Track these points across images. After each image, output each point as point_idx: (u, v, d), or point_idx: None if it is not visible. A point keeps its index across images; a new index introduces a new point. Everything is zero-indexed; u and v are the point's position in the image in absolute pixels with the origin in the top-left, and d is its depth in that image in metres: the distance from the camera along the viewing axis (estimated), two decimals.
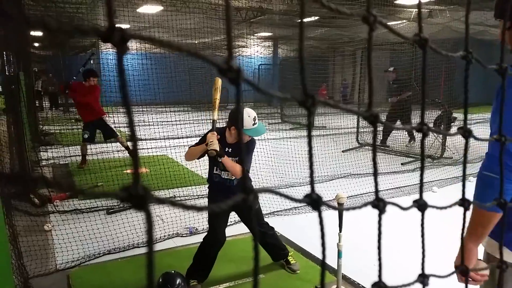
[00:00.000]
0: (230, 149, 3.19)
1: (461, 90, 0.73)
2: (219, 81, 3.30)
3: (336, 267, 3.24)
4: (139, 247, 4.13)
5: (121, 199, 0.31)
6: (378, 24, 0.46)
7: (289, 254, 3.69)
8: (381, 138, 9.63)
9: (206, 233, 3.39)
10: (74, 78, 7.90)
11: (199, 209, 0.35)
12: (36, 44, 16.49)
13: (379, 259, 0.48)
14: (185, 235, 4.48)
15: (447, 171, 7.08)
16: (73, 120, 13.23)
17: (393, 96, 9.35)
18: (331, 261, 3.39)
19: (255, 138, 3.29)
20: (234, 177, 3.23)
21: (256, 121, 3.16)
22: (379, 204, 0.47)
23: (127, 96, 0.30)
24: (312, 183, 0.43)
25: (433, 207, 0.56)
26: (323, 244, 0.42)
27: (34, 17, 0.27)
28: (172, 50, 0.31)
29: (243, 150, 3.10)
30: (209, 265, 3.32)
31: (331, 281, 3.35)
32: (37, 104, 12.55)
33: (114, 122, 7.60)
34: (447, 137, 8.29)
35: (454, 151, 8.28)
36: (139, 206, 0.31)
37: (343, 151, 8.94)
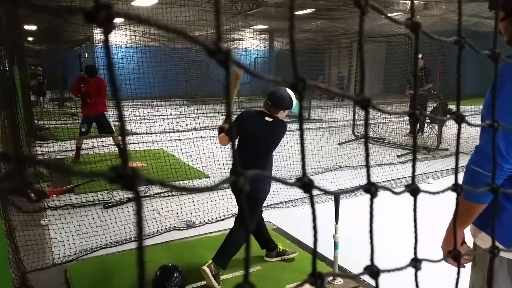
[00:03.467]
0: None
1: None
2: (237, 73, 3.09)
3: (332, 259, 3.26)
4: (136, 240, 4.13)
5: (110, 179, 0.31)
6: (370, 8, 0.46)
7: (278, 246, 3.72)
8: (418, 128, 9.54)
9: (238, 225, 3.35)
10: (82, 73, 7.68)
11: (189, 190, 0.35)
12: (30, 39, 16.34)
13: (371, 243, 0.49)
14: (182, 228, 4.48)
15: (442, 162, 7.12)
16: (68, 115, 13.19)
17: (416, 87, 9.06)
18: (328, 252, 3.41)
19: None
20: None
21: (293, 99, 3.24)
22: (371, 188, 0.47)
23: (115, 79, 0.30)
24: (303, 166, 0.43)
25: (425, 192, 0.57)
26: (314, 228, 0.42)
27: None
28: (159, 29, 0.31)
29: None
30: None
31: (328, 273, 3.37)
32: (32, 99, 12.46)
33: (109, 115, 7.58)
34: (443, 129, 8.31)
35: (449, 143, 8.32)
36: (127, 186, 0.31)
37: (339, 144, 8.96)
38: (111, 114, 7.57)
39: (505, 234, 1.63)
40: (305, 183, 0.41)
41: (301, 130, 0.43)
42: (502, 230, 1.62)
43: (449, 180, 6.27)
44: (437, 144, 8.31)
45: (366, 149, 0.50)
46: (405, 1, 12.35)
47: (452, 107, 8.58)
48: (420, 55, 9.32)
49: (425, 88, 9.00)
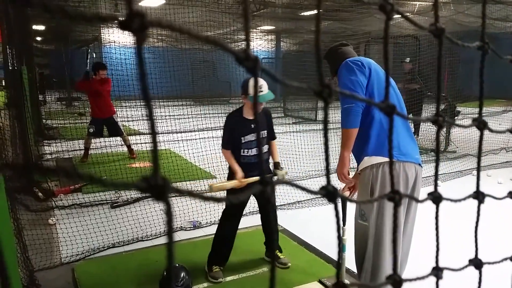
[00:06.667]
0: (253, 125, 3.23)
1: (464, 84, 0.73)
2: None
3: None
4: (143, 240, 4.14)
5: (141, 190, 0.31)
6: (395, 13, 0.45)
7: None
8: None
9: (224, 214, 3.43)
10: (88, 71, 7.67)
11: (218, 200, 0.35)
12: (39, 38, 16.44)
13: (394, 252, 0.48)
14: (188, 228, 4.49)
15: (450, 165, 7.06)
16: (76, 114, 13.25)
17: (403, 84, 9.11)
18: (334, 254, 3.40)
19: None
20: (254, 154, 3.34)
21: (263, 88, 3.20)
22: (395, 196, 0.46)
23: (147, 87, 0.29)
24: (328, 174, 0.42)
25: (448, 199, 0.56)
26: (339, 237, 0.42)
27: (54, 5, 0.27)
28: (190, 37, 0.31)
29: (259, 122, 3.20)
30: (231, 245, 3.41)
31: (335, 275, 3.35)
32: (40, 99, 12.51)
33: (117, 116, 7.60)
34: (451, 131, 8.24)
35: (457, 145, 8.25)
36: (159, 196, 0.30)
37: None
38: (119, 115, 7.60)
39: (375, 148, 2.41)
40: (329, 192, 0.41)
41: (326, 138, 0.42)
42: (371, 147, 2.45)
43: (457, 183, 6.21)
44: (445, 146, 8.25)
45: (390, 153, 0.49)
46: (412, 2, 12.28)
47: (460, 109, 8.52)
48: (407, 59, 9.37)
49: (411, 87, 8.98)
